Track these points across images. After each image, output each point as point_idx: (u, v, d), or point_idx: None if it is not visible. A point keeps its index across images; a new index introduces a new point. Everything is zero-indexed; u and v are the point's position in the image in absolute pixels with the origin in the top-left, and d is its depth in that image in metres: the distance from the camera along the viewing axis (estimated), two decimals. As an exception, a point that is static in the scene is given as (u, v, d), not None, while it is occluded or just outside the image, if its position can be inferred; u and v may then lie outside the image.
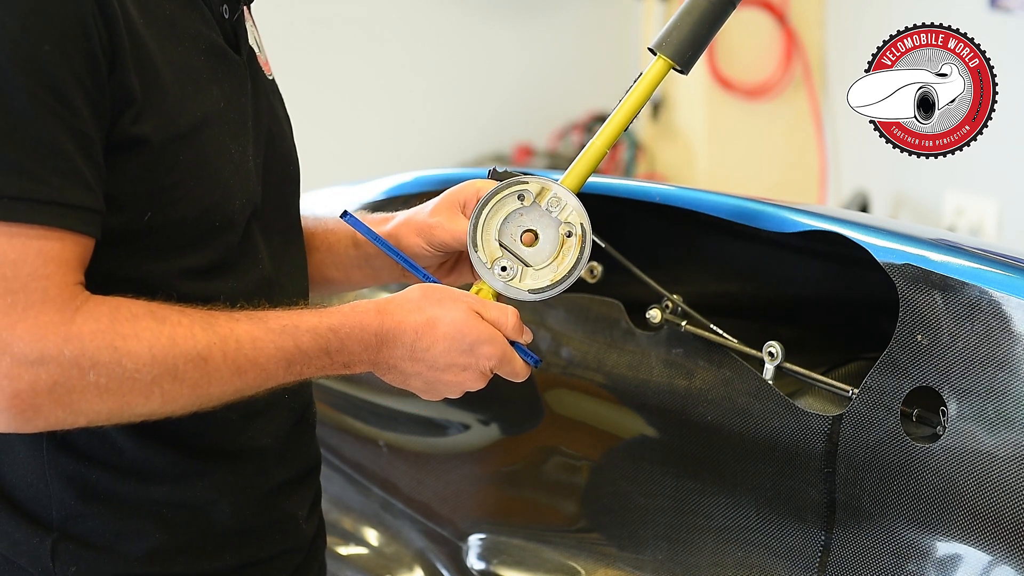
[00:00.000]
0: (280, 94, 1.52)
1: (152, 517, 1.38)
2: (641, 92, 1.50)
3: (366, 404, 2.06)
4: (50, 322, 1.22)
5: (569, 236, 1.47)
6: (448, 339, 1.39)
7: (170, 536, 1.38)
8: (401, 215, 1.57)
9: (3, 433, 1.33)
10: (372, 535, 2.04)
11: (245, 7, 1.46)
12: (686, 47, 1.50)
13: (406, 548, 1.99)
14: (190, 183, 1.33)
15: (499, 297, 1.48)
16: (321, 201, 2.08)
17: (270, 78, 1.50)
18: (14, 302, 1.21)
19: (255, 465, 1.44)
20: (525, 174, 1.55)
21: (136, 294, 1.29)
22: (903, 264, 1.45)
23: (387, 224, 1.57)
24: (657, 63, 1.50)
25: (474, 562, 1.86)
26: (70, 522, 1.36)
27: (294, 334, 1.33)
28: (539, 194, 1.47)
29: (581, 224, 1.47)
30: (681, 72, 1.51)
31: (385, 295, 1.44)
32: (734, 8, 1.51)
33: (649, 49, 1.51)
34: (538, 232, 1.47)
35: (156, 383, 1.25)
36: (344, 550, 2.04)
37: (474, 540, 1.88)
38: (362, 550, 2.04)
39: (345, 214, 1.49)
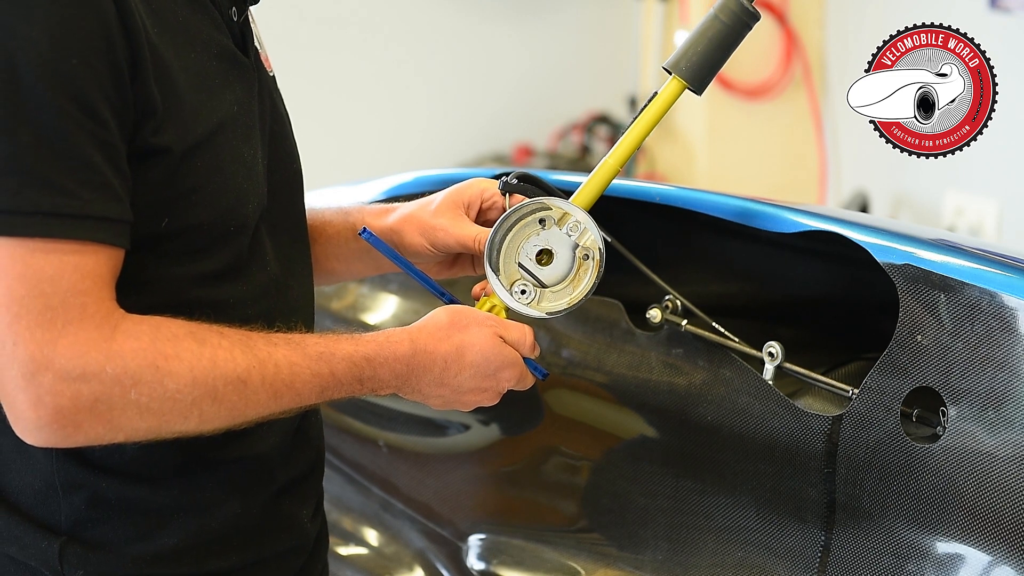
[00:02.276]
0: (279, 90, 1.52)
1: (159, 520, 1.38)
2: (655, 112, 1.52)
3: (366, 404, 2.06)
4: (91, 339, 1.22)
5: (586, 259, 1.48)
6: (475, 366, 1.42)
7: (177, 537, 1.38)
8: (403, 209, 1.57)
9: (12, 441, 1.33)
10: (372, 535, 2.04)
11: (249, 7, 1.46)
12: (701, 69, 1.50)
13: (406, 548, 1.99)
14: (207, 189, 1.33)
15: (510, 311, 1.49)
16: (322, 200, 2.08)
17: (271, 74, 1.50)
18: (53, 318, 1.21)
19: (260, 467, 1.45)
20: (532, 179, 1.55)
21: (149, 299, 1.30)
22: (903, 264, 1.45)
23: (388, 217, 1.57)
24: (672, 83, 1.51)
25: (474, 562, 1.86)
26: (78, 527, 1.36)
27: (330, 361, 1.34)
28: (560, 219, 1.48)
29: (599, 249, 1.48)
30: (695, 92, 1.51)
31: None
32: (750, 30, 1.51)
33: (664, 68, 1.51)
34: (554, 252, 1.48)
35: (196, 404, 1.26)
36: (344, 550, 2.04)
37: (474, 540, 1.88)
38: (362, 550, 2.03)
39: (364, 231, 1.50)
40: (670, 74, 1.51)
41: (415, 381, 1.41)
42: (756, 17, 1.50)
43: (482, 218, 1.57)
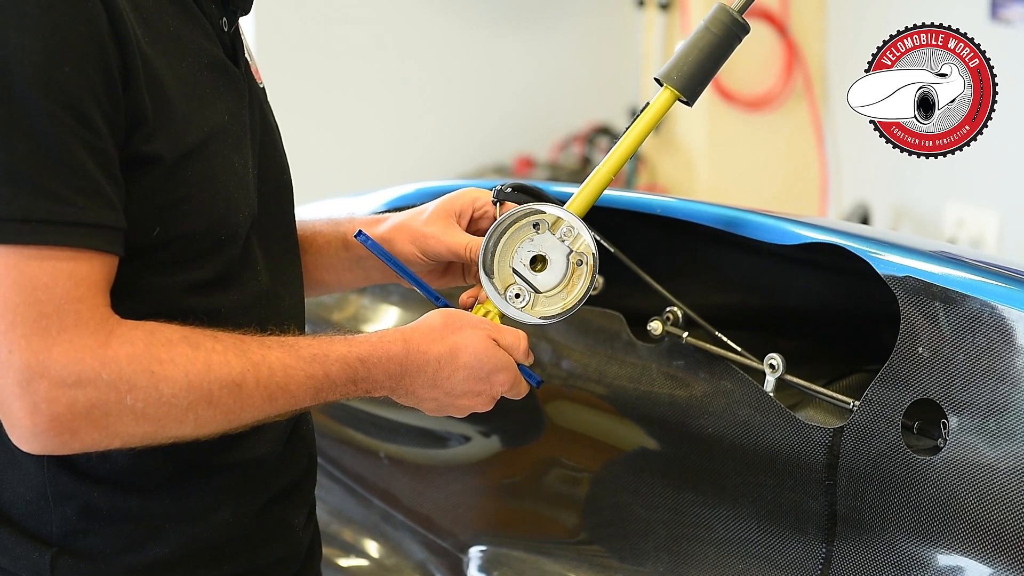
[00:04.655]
0: (269, 102, 1.53)
1: (152, 530, 1.38)
2: (648, 122, 1.53)
3: (367, 416, 2.06)
4: (86, 345, 1.22)
5: (580, 264, 1.48)
6: (468, 368, 1.42)
7: (169, 547, 1.38)
8: (395, 219, 1.58)
9: (3, 452, 1.33)
10: (373, 547, 2.03)
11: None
12: (692, 79, 1.52)
13: (407, 560, 1.99)
14: (198, 198, 1.34)
15: (504, 318, 1.49)
16: (321, 212, 2.08)
17: (261, 86, 1.51)
18: (48, 325, 1.21)
19: (253, 474, 1.45)
20: (526, 189, 1.56)
21: (141, 308, 1.30)
22: (904, 276, 1.45)
23: (380, 226, 1.58)
24: (664, 94, 1.53)
25: (475, 574, 1.86)
26: (70, 537, 1.36)
27: (324, 363, 1.35)
28: (553, 224, 1.49)
29: (593, 254, 1.48)
30: (687, 103, 1.52)
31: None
32: (740, 42, 1.53)
33: (656, 79, 1.53)
34: (548, 258, 1.49)
35: (191, 408, 1.26)
36: (345, 562, 2.04)
37: (475, 552, 1.88)
38: (362, 562, 2.03)
39: (360, 234, 1.50)
40: (662, 85, 1.52)
41: (409, 382, 1.41)
42: (746, 29, 1.53)
43: (473, 227, 1.57)
